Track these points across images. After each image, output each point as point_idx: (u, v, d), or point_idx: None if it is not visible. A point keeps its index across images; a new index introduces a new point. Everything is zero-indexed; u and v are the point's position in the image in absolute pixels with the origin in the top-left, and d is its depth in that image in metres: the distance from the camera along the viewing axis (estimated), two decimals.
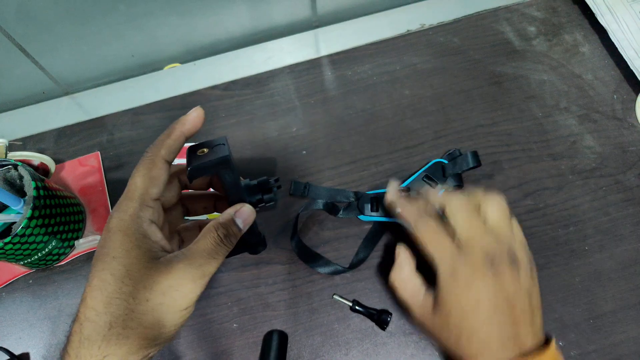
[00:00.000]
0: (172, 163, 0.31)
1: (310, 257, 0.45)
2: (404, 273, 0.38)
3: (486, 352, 0.32)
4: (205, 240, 0.28)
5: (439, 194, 0.38)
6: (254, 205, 0.33)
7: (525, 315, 0.33)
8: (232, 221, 0.30)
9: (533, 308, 0.34)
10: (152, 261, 0.27)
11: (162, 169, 0.29)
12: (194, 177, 0.29)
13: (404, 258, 0.38)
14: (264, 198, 0.33)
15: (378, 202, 0.46)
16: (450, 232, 0.35)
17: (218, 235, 0.28)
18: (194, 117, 0.31)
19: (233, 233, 0.29)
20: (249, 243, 0.33)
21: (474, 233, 0.34)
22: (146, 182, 0.28)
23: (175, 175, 0.33)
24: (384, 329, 0.42)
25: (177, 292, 0.27)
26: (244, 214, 0.30)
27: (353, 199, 0.46)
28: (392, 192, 0.41)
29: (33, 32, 0.51)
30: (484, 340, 0.32)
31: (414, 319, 0.37)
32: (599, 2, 0.55)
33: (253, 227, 0.32)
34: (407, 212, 0.38)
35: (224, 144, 0.30)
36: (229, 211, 0.30)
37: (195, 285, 0.27)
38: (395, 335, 0.42)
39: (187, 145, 0.32)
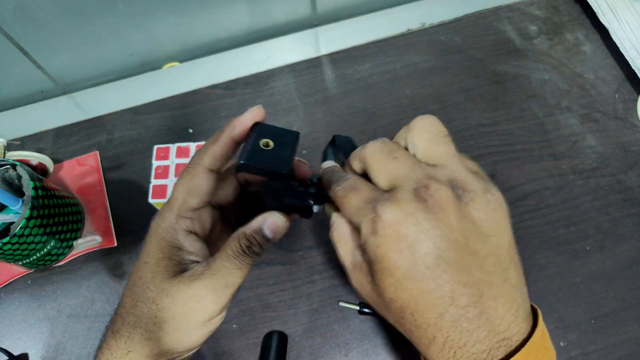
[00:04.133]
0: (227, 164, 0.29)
1: None
2: (344, 227, 0.28)
3: (444, 331, 0.22)
4: (228, 250, 0.27)
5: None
6: (289, 210, 0.29)
7: (490, 262, 0.23)
8: (258, 232, 0.27)
9: (501, 254, 0.23)
10: (179, 272, 0.27)
11: (203, 178, 0.28)
12: (240, 171, 0.27)
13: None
14: (303, 205, 0.29)
15: None
16: (372, 185, 0.27)
17: (240, 246, 0.27)
18: (247, 118, 0.28)
19: (257, 243, 0.27)
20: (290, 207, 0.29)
21: (397, 172, 0.25)
22: (184, 193, 0.28)
23: (230, 171, 0.31)
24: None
25: (197, 304, 0.26)
26: (272, 224, 0.27)
27: None
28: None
29: (31, 31, 0.51)
30: (433, 311, 0.22)
31: (352, 285, 0.28)
32: (600, 1, 0.55)
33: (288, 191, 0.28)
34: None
35: (291, 147, 0.27)
36: (258, 220, 0.27)
37: (217, 296, 0.26)
38: (395, 336, 0.42)
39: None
